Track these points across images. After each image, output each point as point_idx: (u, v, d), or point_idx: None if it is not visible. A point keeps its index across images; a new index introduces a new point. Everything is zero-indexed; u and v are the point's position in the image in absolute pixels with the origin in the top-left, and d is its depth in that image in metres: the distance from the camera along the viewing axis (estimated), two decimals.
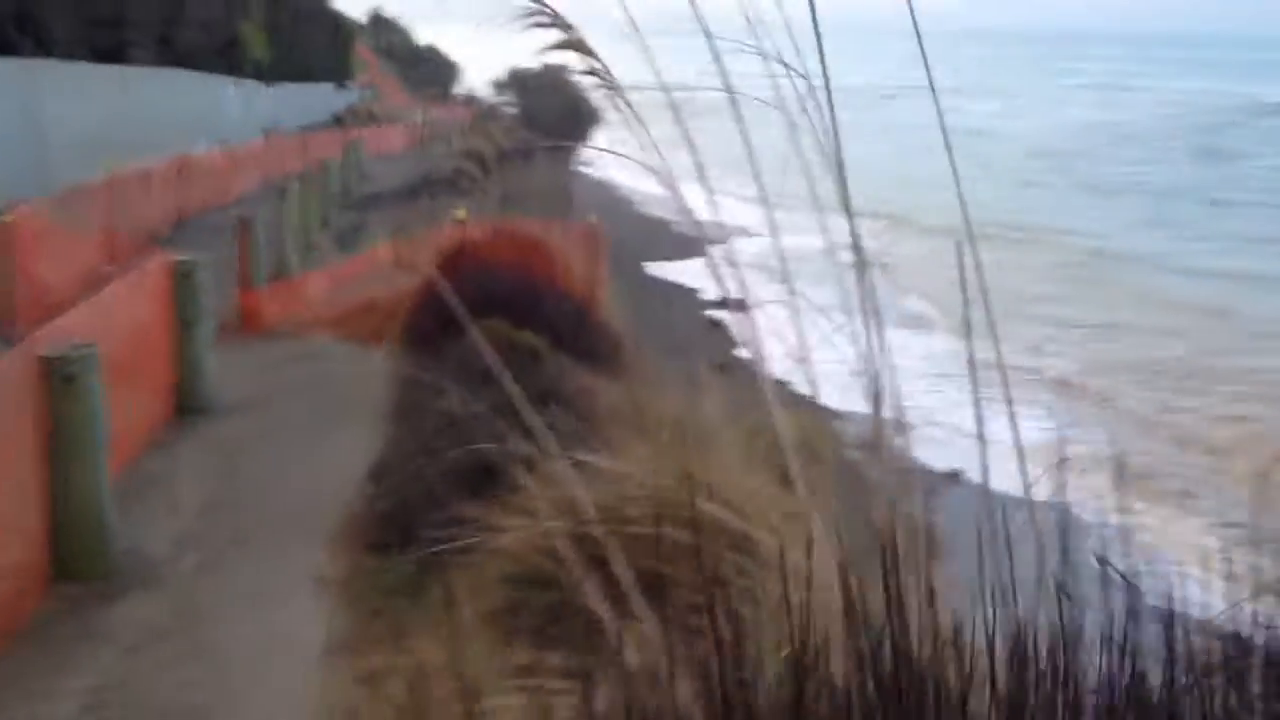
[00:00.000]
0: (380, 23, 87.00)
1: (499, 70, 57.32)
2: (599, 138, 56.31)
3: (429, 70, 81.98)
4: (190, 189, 20.44)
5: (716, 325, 41.89)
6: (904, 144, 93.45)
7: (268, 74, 41.98)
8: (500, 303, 8.64)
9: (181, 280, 8.73)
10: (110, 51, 26.30)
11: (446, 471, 5.05)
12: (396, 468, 6.11)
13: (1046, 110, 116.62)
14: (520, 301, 8.42)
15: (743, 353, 35.32)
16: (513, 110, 52.75)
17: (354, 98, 63.90)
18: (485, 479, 4.55)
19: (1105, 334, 29.52)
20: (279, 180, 24.29)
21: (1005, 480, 2.42)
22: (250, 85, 37.09)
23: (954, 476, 26.82)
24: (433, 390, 6.26)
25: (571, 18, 2.55)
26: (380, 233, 24.63)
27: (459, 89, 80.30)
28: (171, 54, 30.91)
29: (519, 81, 55.39)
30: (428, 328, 8.55)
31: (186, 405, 8.91)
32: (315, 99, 52.20)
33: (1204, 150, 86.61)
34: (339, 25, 61.60)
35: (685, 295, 45.67)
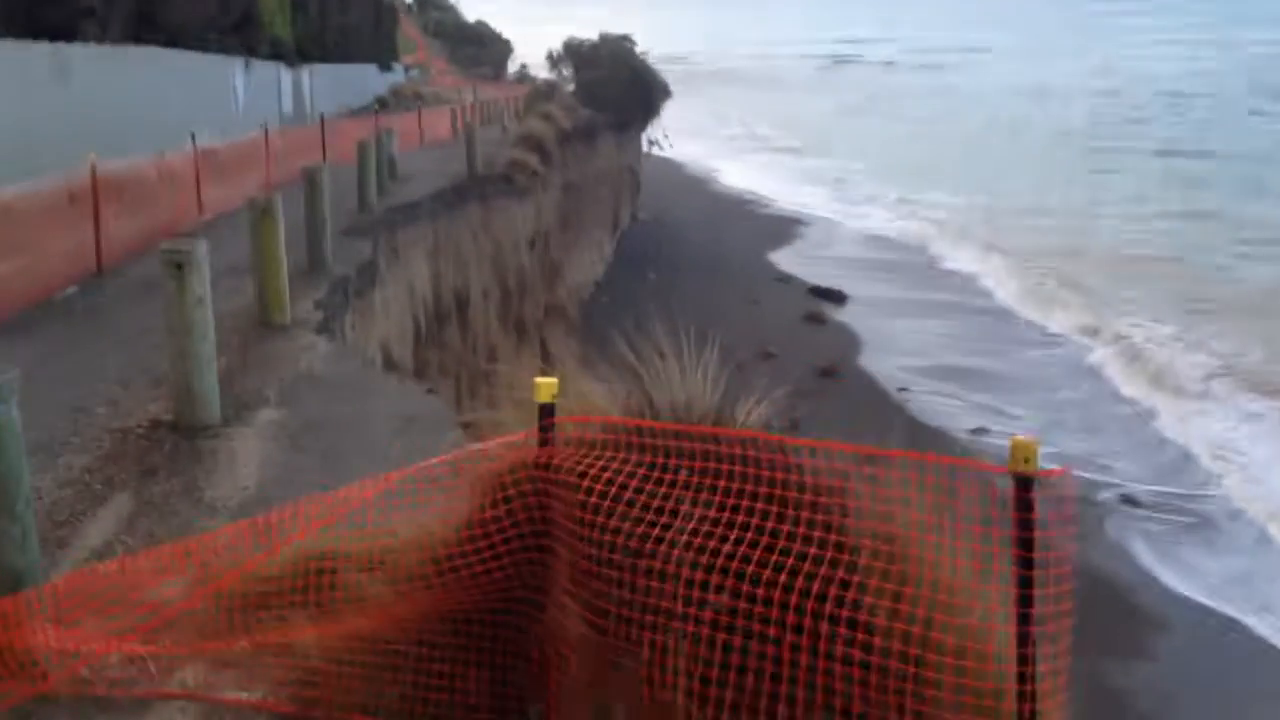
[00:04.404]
0: (426, 0, 78.91)
1: (553, 44, 49.21)
2: (668, 111, 48.25)
3: (479, 48, 74.03)
4: (127, 214, 12.86)
5: (816, 319, 34.04)
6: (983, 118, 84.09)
7: (294, 55, 34.33)
8: None
9: None
10: (57, 27, 18.73)
11: None
12: None
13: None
14: None
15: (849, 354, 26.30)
16: (571, 86, 44.72)
17: (400, 79, 56.19)
18: None
19: None
20: (285, 186, 16.77)
21: None
22: (267, 68, 29.42)
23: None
24: None
25: None
26: (414, 260, 16.95)
27: (512, 66, 72.43)
28: (157, 31, 23.30)
29: (575, 54, 47.26)
30: None
31: None
32: (355, 81, 44.51)
33: None
34: (381, 1, 53.72)
35: (785, 288, 37.80)
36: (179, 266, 6.73)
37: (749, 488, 3.26)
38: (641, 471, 3.41)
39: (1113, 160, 60.73)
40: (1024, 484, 2.78)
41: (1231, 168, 56.59)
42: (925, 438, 23.47)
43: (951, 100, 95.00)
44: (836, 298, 35.88)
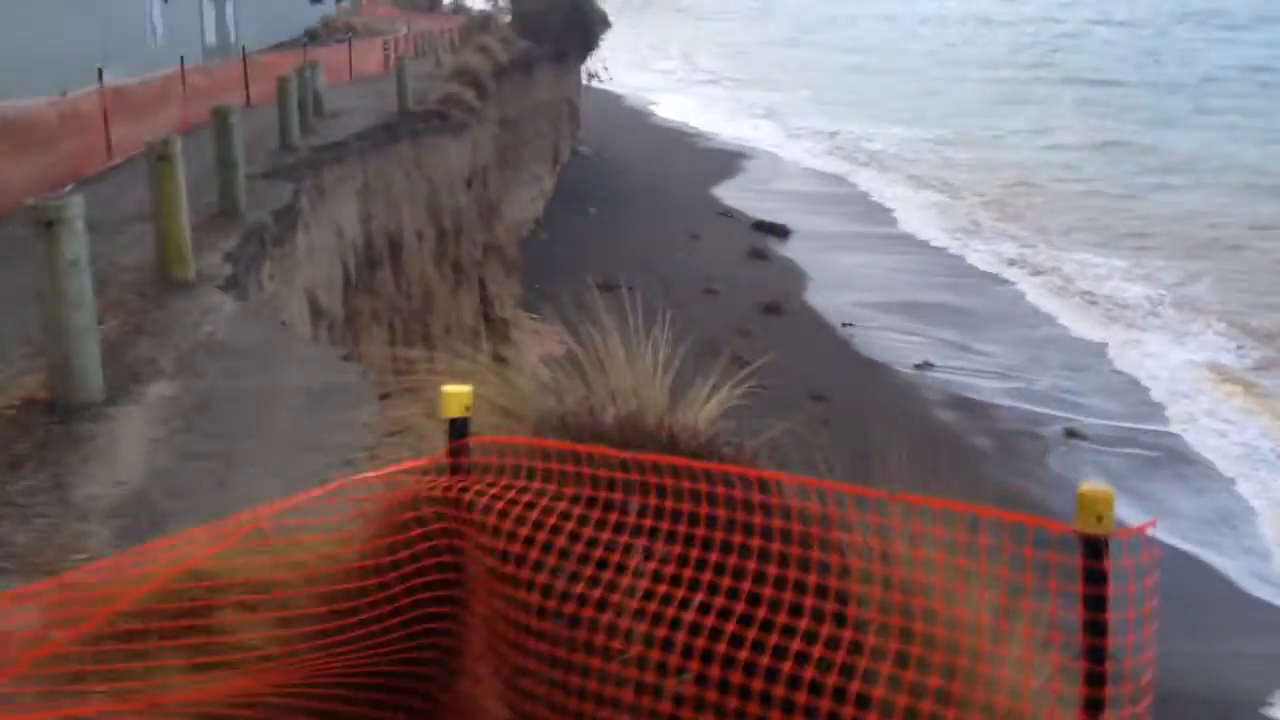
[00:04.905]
0: None
1: None
2: (607, 42, 46.84)
3: None
4: (21, 158, 11.74)
5: (759, 255, 33.26)
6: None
7: None
8: None
9: None
10: None
11: None
12: None
13: None
14: None
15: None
16: (507, 17, 43.17)
17: (330, 10, 54.14)
18: None
19: None
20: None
21: None
22: None
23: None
24: None
25: None
26: (339, 204, 15.92)
27: None
28: None
29: None
30: None
31: None
32: (283, 13, 42.65)
33: None
34: None
35: (727, 222, 36.88)
36: (49, 225, 5.79)
37: (719, 535, 2.49)
38: (578, 510, 2.63)
39: (1047, 90, 60.30)
40: (1095, 548, 2.04)
41: (1151, 97, 56.63)
42: (869, 372, 23.00)
43: (892, 29, 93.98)
44: (780, 232, 35.13)
